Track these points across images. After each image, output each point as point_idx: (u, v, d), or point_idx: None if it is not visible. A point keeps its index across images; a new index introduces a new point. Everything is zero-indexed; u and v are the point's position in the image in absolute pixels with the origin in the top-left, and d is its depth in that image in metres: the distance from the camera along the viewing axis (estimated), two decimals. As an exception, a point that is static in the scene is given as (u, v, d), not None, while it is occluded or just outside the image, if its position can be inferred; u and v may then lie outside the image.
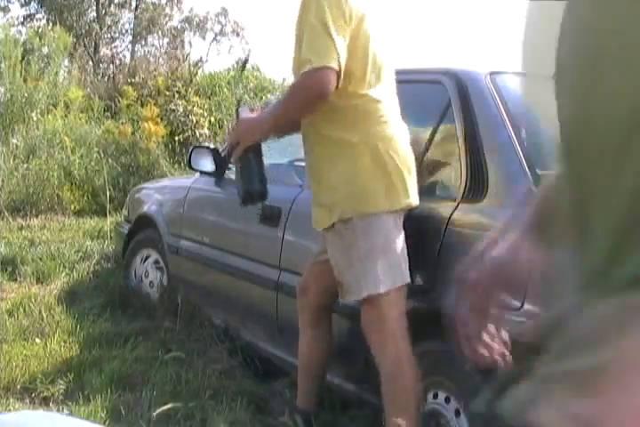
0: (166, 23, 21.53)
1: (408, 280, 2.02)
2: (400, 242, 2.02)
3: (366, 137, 2.01)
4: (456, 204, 2.06)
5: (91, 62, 10.96)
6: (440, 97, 2.30)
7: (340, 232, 2.04)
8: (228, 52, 23.35)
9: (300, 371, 2.30)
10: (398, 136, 2.06)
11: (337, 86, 1.94)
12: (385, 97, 2.07)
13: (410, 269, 2.14)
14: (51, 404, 2.48)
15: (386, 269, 1.99)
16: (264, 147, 2.21)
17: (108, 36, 20.57)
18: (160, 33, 21.05)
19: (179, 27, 21.98)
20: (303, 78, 1.97)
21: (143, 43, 20.67)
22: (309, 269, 2.28)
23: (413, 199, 2.05)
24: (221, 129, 8.28)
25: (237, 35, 22.88)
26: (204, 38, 22.62)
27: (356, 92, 2.01)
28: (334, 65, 1.91)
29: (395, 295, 2.00)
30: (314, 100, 1.98)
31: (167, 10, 21.66)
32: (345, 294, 2.07)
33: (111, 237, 4.72)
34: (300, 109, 2.04)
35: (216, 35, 22.76)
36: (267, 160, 3.26)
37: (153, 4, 21.42)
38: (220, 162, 3.22)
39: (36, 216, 5.78)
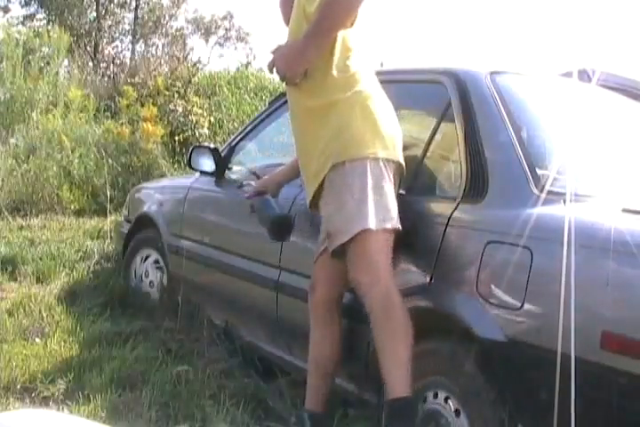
0: (167, 23, 21.49)
1: (399, 226, 2.05)
2: (390, 189, 2.08)
3: (355, 94, 2.12)
4: (456, 204, 2.06)
5: (91, 62, 10.94)
6: (440, 97, 2.30)
7: (332, 181, 2.10)
8: (231, 55, 23.31)
9: (311, 370, 2.29)
10: (383, 98, 2.19)
11: None
12: (365, 61, 2.20)
13: (410, 269, 2.15)
14: (51, 403, 2.48)
15: (377, 209, 2.03)
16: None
17: (109, 35, 20.54)
18: (163, 34, 20.99)
19: (183, 29, 21.92)
20: None
21: (144, 43, 20.63)
22: (315, 265, 2.27)
23: (400, 156, 2.15)
24: (221, 129, 8.28)
25: (241, 40, 22.79)
26: (206, 42, 22.56)
27: (348, 53, 2.15)
28: None
29: (383, 237, 2.03)
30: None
31: (172, 11, 21.59)
32: (335, 239, 2.08)
33: (111, 237, 4.72)
34: (346, 15, 2.09)
35: (219, 38, 22.69)
36: (267, 160, 3.27)
37: (157, 4, 21.37)
38: (220, 162, 3.22)
39: (36, 216, 5.76)
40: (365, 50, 2.23)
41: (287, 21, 2.33)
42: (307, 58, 2.13)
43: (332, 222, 2.11)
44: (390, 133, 2.14)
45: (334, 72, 2.13)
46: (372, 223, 2.01)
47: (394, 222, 2.05)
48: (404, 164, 2.17)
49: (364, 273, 2.05)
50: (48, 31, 8.57)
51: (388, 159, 2.11)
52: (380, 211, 2.03)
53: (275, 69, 2.18)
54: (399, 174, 2.17)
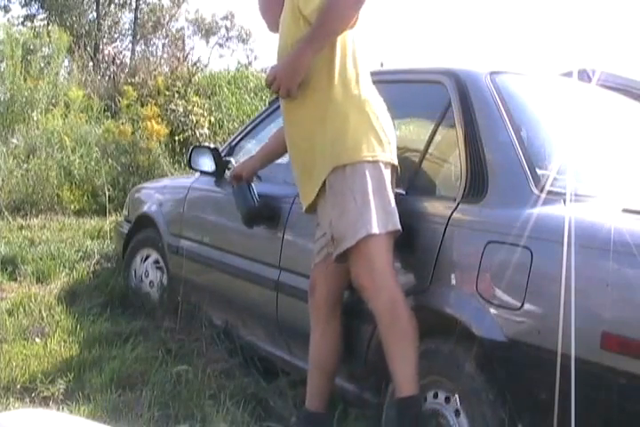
0: (167, 23, 21.47)
1: (399, 227, 2.07)
2: (390, 191, 2.10)
3: (351, 99, 2.14)
4: (456, 204, 2.06)
5: (91, 62, 10.92)
6: (440, 97, 2.30)
7: (332, 186, 2.11)
8: (231, 56, 23.27)
9: (311, 370, 2.29)
10: (379, 101, 2.20)
11: None
12: (363, 63, 2.20)
13: (410, 269, 2.15)
14: (51, 403, 2.48)
15: (379, 212, 2.05)
16: None
17: (109, 36, 20.54)
18: (163, 34, 20.97)
19: (183, 29, 21.90)
20: None
21: (144, 43, 20.62)
22: (314, 267, 2.28)
23: (395, 159, 2.17)
24: (221, 129, 8.28)
25: (243, 41, 22.74)
26: (207, 42, 22.54)
27: (347, 54, 2.15)
28: None
29: (386, 240, 2.05)
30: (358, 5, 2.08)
31: (172, 11, 21.56)
32: (339, 244, 2.08)
33: (111, 237, 4.72)
34: (346, 18, 2.09)
35: (220, 39, 22.65)
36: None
37: (156, 4, 21.35)
38: (220, 162, 3.22)
39: (36, 216, 5.77)
40: (364, 51, 2.23)
41: (273, 28, 2.34)
42: (304, 63, 2.11)
43: (335, 228, 2.09)
44: (386, 137, 2.15)
45: (333, 77, 2.13)
46: (375, 228, 2.02)
47: (395, 224, 2.07)
48: (398, 166, 2.19)
49: (369, 279, 2.06)
50: (48, 31, 8.57)
51: (386, 162, 2.12)
52: (382, 214, 2.05)
53: (274, 86, 2.16)
54: (395, 176, 2.19)
